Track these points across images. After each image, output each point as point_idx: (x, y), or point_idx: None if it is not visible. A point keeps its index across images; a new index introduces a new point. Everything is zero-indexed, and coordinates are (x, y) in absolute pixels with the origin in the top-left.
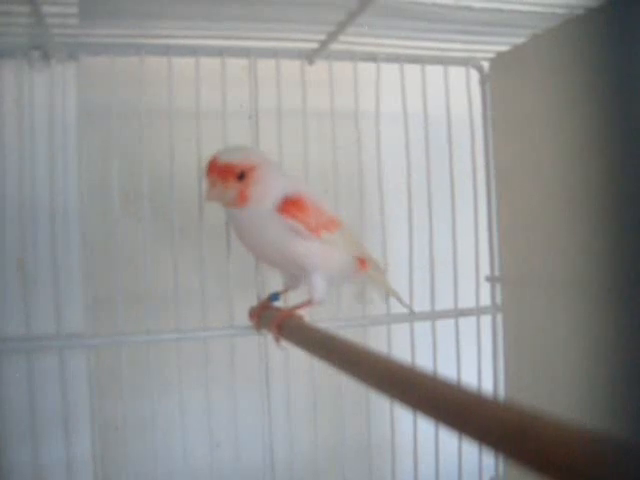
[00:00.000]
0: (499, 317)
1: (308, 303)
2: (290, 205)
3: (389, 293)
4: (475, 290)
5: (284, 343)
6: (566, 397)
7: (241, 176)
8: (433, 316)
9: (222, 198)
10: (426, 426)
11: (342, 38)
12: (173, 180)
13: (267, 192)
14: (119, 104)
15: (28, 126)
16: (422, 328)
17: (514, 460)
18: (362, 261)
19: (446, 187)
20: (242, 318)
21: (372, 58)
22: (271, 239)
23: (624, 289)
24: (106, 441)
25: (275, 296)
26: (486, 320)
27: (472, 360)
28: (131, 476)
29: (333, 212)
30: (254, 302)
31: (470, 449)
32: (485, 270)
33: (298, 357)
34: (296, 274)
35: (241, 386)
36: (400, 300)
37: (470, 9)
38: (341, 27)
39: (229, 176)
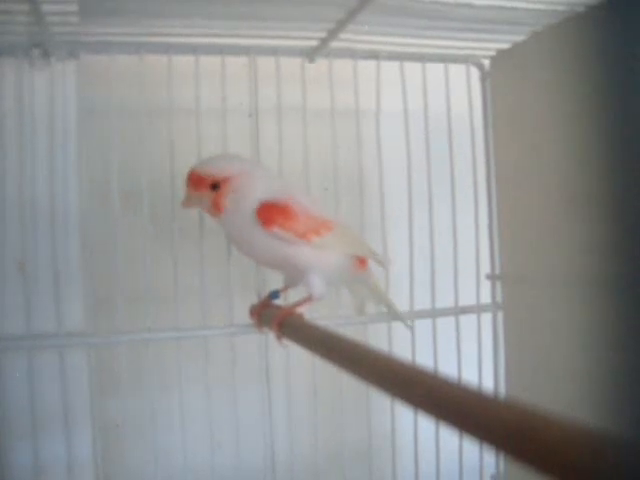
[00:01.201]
0: (500, 315)
1: (308, 300)
2: (273, 213)
3: (384, 302)
4: (476, 288)
5: (285, 341)
6: (567, 395)
7: (214, 186)
8: (434, 314)
9: (198, 206)
10: (427, 424)
11: (342, 36)
12: (173, 179)
13: (243, 200)
14: (119, 102)
15: (28, 124)
16: (423, 326)
17: (515, 458)
18: (362, 260)
19: (446, 185)
20: (242, 316)
21: (372, 56)
22: (260, 245)
23: (625, 287)
24: (106, 440)
25: (275, 294)
26: (487, 318)
27: (473, 358)
28: (131, 475)
29: (325, 213)
30: (254, 300)
31: (471, 447)
32: (486, 268)
33: (299, 356)
34: (293, 274)
35: (241, 385)
36: (398, 315)
37: (470, 6)
38: (341, 25)
39: (202, 187)
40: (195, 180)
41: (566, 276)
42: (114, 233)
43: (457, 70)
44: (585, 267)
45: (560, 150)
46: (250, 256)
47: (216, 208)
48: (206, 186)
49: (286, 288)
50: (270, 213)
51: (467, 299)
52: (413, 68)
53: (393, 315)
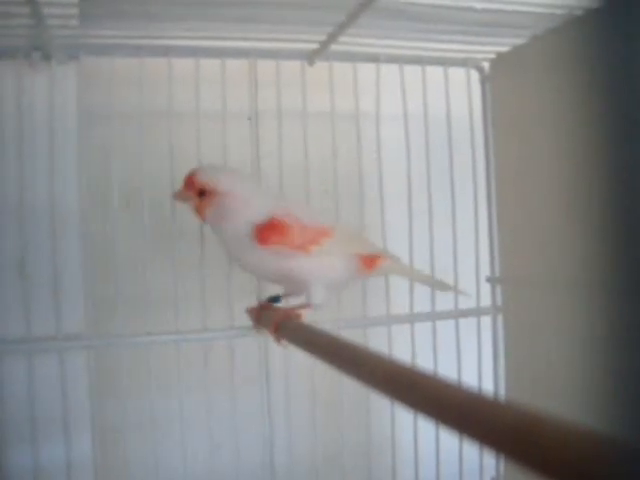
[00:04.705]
0: (499, 318)
1: (306, 306)
2: (267, 231)
3: (424, 281)
4: (475, 291)
5: (284, 342)
6: (566, 397)
7: (201, 193)
8: (433, 317)
9: (184, 202)
10: (426, 427)
11: (342, 39)
12: (173, 182)
13: (231, 220)
14: (119, 105)
15: (28, 127)
16: (422, 329)
17: (514, 460)
18: (368, 260)
19: (446, 188)
20: (242, 319)
21: (372, 59)
22: (259, 262)
23: (625, 290)
24: (106, 443)
25: (276, 298)
26: (486, 321)
27: (472, 361)
28: (131, 477)
29: (323, 220)
30: (254, 303)
31: (471, 449)
32: (485, 271)
33: (298, 358)
34: (294, 286)
35: (241, 387)
36: (445, 286)
37: (470, 10)
38: (341, 28)
39: (191, 189)
40: (188, 180)
41: (566, 279)
42: (114, 236)
43: (457, 73)
44: (585, 270)
45: (559, 153)
46: (251, 272)
47: (199, 213)
48: (195, 190)
49: (287, 295)
50: (263, 232)
51: (467, 302)
52: (413, 71)
53: (440, 287)
